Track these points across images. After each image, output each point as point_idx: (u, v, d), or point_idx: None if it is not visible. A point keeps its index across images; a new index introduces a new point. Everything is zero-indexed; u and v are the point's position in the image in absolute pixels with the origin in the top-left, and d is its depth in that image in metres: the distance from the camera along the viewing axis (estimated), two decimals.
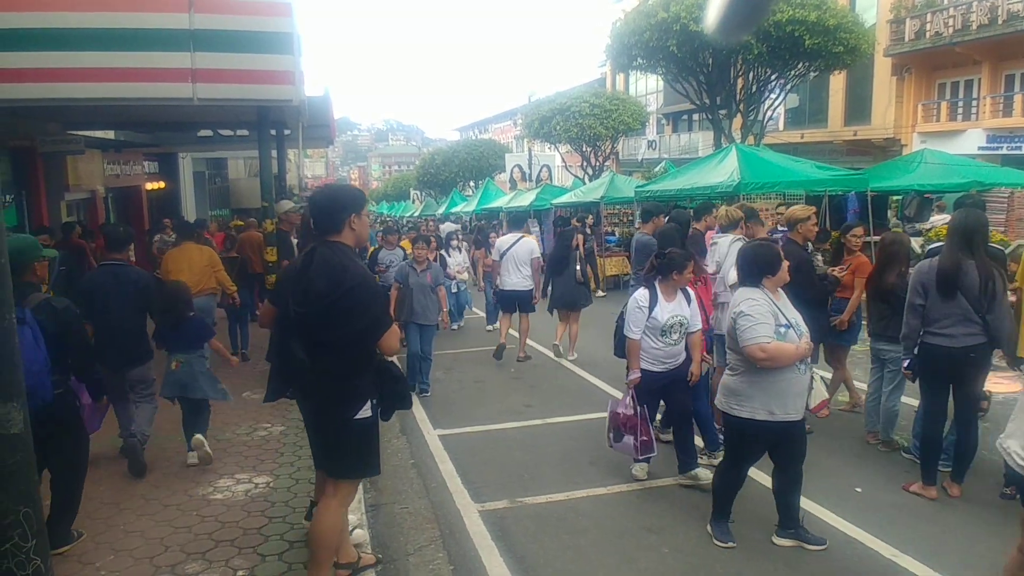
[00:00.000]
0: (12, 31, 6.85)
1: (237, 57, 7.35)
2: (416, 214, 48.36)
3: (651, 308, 5.61)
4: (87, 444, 4.89)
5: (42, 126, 12.00)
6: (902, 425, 6.57)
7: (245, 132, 14.25)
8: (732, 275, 6.62)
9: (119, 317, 5.89)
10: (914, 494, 5.50)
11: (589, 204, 21.05)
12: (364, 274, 3.79)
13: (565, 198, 23.79)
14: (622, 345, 5.89)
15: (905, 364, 5.69)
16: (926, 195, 16.21)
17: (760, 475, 5.48)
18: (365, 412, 3.83)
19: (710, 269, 7.04)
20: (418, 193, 62.29)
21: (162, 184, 20.45)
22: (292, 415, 7.44)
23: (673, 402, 5.88)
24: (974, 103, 24.39)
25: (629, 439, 5.72)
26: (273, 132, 10.69)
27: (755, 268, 4.66)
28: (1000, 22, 21.65)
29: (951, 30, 23.11)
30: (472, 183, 49.24)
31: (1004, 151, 22.19)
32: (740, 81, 22.82)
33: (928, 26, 23.96)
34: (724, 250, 6.96)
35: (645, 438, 5.67)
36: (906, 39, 24.77)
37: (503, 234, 13.14)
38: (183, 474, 5.90)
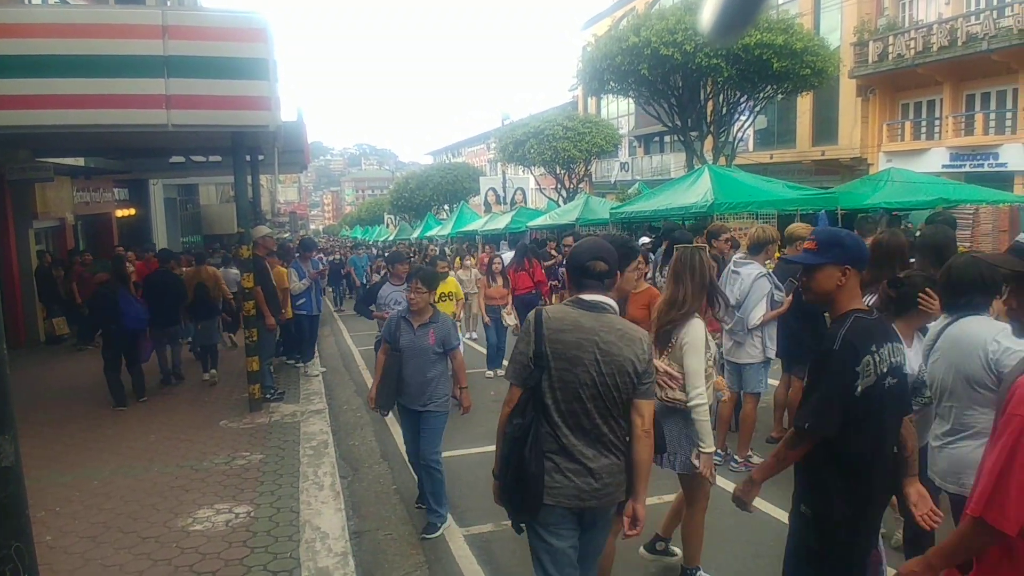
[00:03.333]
0: None
1: (212, 83, 7.33)
2: (391, 238, 48.29)
3: None
4: None
5: (11, 153, 11.87)
6: None
7: (218, 158, 14.17)
8: (756, 315, 6.39)
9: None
10: None
11: (564, 226, 21.16)
12: None
13: (540, 220, 23.91)
14: None
15: None
16: (894, 213, 16.50)
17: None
18: None
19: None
20: (392, 217, 62.19)
21: (132, 211, 20.27)
22: (271, 443, 7.37)
23: None
24: (937, 122, 24.90)
25: None
26: (247, 158, 10.65)
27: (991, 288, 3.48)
28: (960, 44, 22.17)
29: (913, 52, 23.63)
30: (447, 207, 49.25)
31: (967, 168, 22.66)
32: (710, 103, 23.12)
33: (891, 48, 24.48)
34: (748, 284, 6.44)
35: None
36: (869, 61, 25.28)
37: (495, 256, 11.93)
38: (161, 505, 5.80)
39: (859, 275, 3.06)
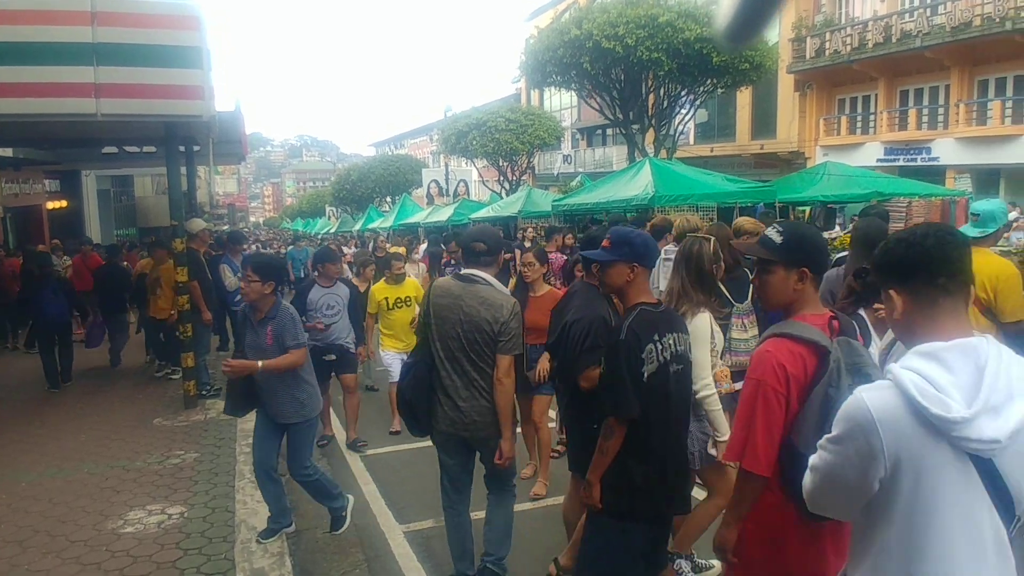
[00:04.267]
0: None
1: (143, 71, 7.11)
2: (333, 230, 47.73)
3: None
4: None
5: None
6: None
7: (152, 149, 13.77)
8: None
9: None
10: None
11: (507, 218, 21.15)
12: None
13: (483, 213, 23.87)
14: None
15: None
16: (829, 205, 16.88)
17: None
18: None
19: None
20: (334, 209, 61.44)
21: (64, 203, 19.66)
22: (206, 440, 7.21)
23: None
24: (872, 117, 25.55)
25: None
26: (182, 148, 10.36)
27: None
28: (894, 40, 22.77)
29: (849, 48, 24.19)
30: (389, 199, 48.86)
31: (901, 163, 23.30)
32: (652, 97, 23.33)
33: (827, 44, 25.02)
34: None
35: None
36: (807, 57, 25.81)
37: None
38: (91, 507, 5.62)
39: (647, 272, 3.42)
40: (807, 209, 17.61)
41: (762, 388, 2.56)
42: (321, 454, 7.22)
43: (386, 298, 7.67)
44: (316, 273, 7.41)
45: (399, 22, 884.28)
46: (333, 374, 7.29)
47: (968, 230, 5.71)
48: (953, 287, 1.88)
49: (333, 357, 7.15)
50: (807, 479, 2.03)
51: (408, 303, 7.66)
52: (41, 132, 11.06)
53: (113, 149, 14.39)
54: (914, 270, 1.90)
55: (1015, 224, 12.56)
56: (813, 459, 1.99)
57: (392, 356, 7.58)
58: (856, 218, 8.05)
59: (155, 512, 5.50)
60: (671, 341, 3.28)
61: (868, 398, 1.82)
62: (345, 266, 9.79)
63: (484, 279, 4.09)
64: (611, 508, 3.32)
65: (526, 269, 5.89)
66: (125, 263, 13.32)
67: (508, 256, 10.55)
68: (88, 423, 7.96)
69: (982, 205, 5.60)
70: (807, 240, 2.76)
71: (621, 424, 3.22)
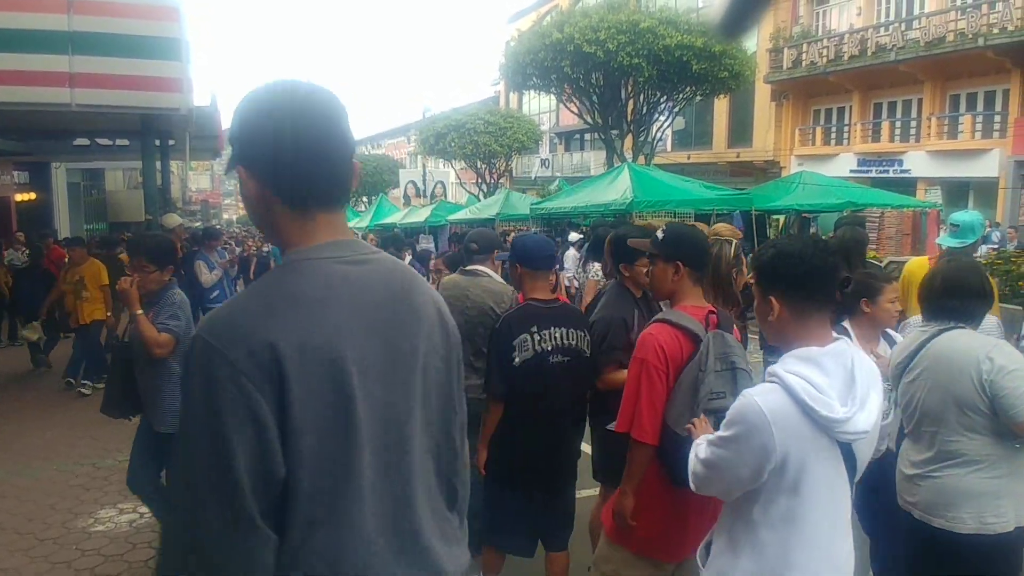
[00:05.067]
0: None
1: (120, 62, 7.01)
2: None
3: None
4: None
5: None
6: None
7: (125, 142, 13.58)
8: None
9: None
10: None
11: (484, 221, 21.12)
12: None
13: (460, 215, 23.81)
14: None
15: None
16: (804, 214, 17.05)
17: None
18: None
19: None
20: None
21: (33, 195, 19.31)
22: None
23: None
24: (846, 129, 25.85)
25: None
26: (157, 142, 10.22)
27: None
28: (869, 54, 23.06)
29: (825, 60, 24.45)
30: (365, 198, 48.61)
31: (873, 174, 23.59)
32: (631, 102, 23.42)
33: (804, 56, 25.28)
34: None
35: None
36: (784, 67, 26.07)
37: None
38: (60, 506, 5.50)
39: (534, 273, 3.75)
40: (781, 217, 17.77)
41: (645, 366, 2.87)
42: None
43: None
44: None
45: (378, 20, 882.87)
46: None
47: (947, 240, 5.76)
48: (825, 299, 2.12)
49: None
50: (698, 469, 2.24)
51: None
52: (11, 122, 10.85)
53: (85, 141, 14.18)
54: (795, 281, 2.11)
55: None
56: (705, 454, 2.20)
57: None
58: (833, 232, 8.07)
59: (127, 511, 5.38)
60: (558, 334, 3.62)
61: (761, 401, 2.02)
62: None
63: (486, 272, 4.41)
64: (493, 474, 3.70)
65: (435, 277, 5.56)
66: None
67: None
68: (55, 421, 7.78)
69: (962, 216, 5.66)
70: (683, 238, 3.09)
71: (495, 402, 3.65)
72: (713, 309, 3.01)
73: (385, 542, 1.41)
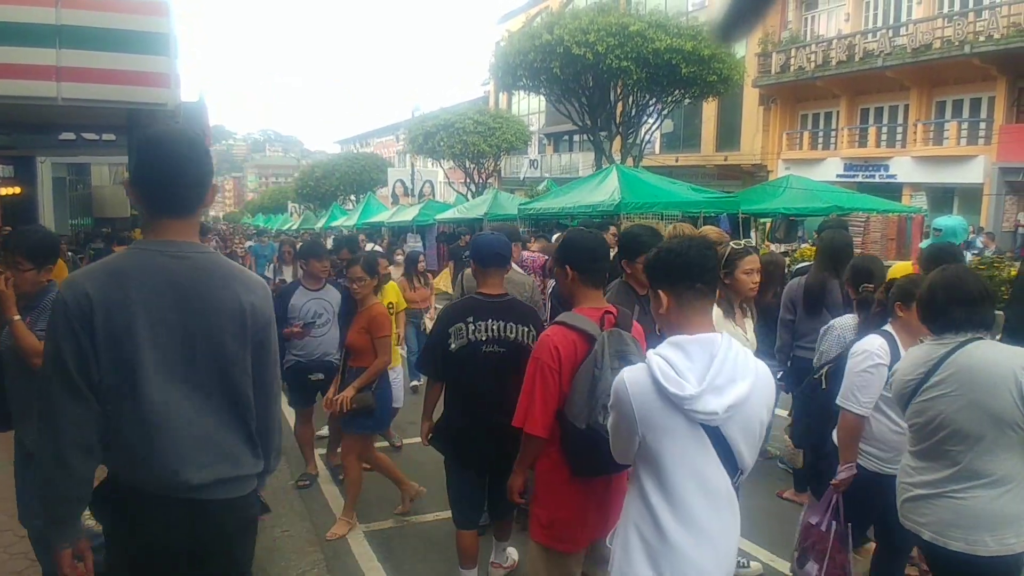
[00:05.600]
0: None
1: (108, 56, 6.97)
2: (295, 227, 47.22)
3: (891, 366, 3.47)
4: None
5: None
6: (775, 436, 6.83)
7: (112, 136, 13.49)
8: None
9: None
10: (787, 500, 5.73)
11: (472, 220, 21.11)
12: None
13: (448, 214, 23.80)
14: (819, 426, 4.03)
15: (778, 376, 5.92)
16: (791, 218, 17.12)
17: None
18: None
19: None
20: (297, 206, 60.83)
21: (17, 190, 19.11)
22: None
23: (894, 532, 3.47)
24: (833, 134, 26.03)
25: (813, 568, 3.78)
26: None
27: None
28: (857, 59, 23.23)
29: (813, 65, 24.61)
30: (353, 197, 48.52)
31: (860, 179, 23.77)
32: (620, 105, 23.47)
33: (792, 60, 25.45)
34: None
35: (839, 573, 3.71)
36: (772, 72, 26.23)
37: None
38: (13, 514, 5.45)
39: (484, 270, 3.99)
40: (768, 221, 17.85)
41: (540, 365, 3.13)
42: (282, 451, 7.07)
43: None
44: (302, 272, 6.35)
45: (368, 18, 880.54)
46: (319, 398, 6.20)
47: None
48: (706, 291, 2.39)
49: (321, 377, 6.00)
50: (609, 435, 2.54)
51: (391, 309, 6.33)
52: None
53: (71, 135, 14.07)
54: (679, 276, 2.37)
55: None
56: (608, 422, 2.52)
57: None
58: (817, 235, 8.12)
59: None
60: (495, 326, 3.88)
61: (627, 377, 2.36)
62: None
63: (516, 269, 5.05)
64: (435, 446, 4.16)
65: (355, 284, 5.21)
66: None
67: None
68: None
69: (944, 221, 5.72)
70: (570, 243, 3.36)
71: (431, 382, 4.15)
72: (610, 309, 3.20)
73: (163, 425, 2.23)
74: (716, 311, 4.13)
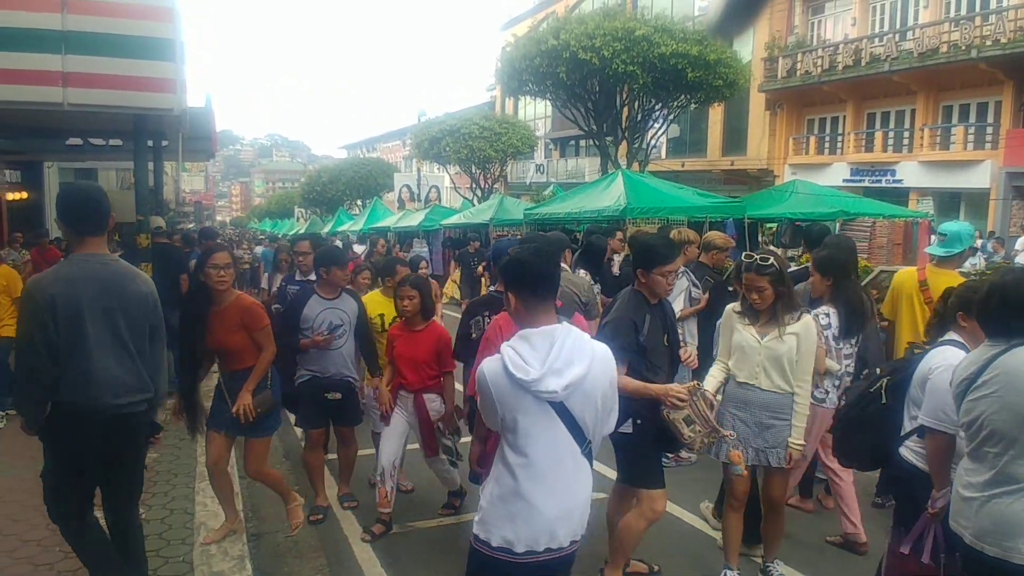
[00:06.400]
0: None
1: (114, 62, 6.97)
2: (301, 232, 47.29)
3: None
4: None
5: None
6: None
7: (118, 142, 13.52)
8: (675, 309, 6.32)
9: None
10: (792, 507, 5.69)
11: (479, 225, 21.10)
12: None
13: (455, 219, 23.79)
14: (885, 442, 3.80)
15: None
16: (796, 223, 17.06)
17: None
18: (626, 428, 4.03)
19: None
20: (303, 211, 60.94)
21: (25, 194, 19.20)
22: (166, 440, 7.02)
23: None
24: (839, 138, 25.97)
25: None
26: (150, 143, 10.18)
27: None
28: (863, 64, 23.19)
29: (819, 70, 24.57)
30: (359, 202, 48.58)
31: (866, 183, 23.69)
32: (626, 109, 23.46)
33: (799, 65, 25.40)
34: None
35: None
36: (778, 76, 26.18)
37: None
38: (44, 507, 5.45)
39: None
40: (774, 226, 17.79)
41: (487, 342, 3.92)
42: (284, 456, 7.09)
43: (381, 315, 5.94)
44: (318, 279, 5.70)
45: (374, 24, 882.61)
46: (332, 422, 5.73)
47: (934, 250, 5.78)
48: (546, 294, 2.87)
49: (338, 396, 5.53)
50: None
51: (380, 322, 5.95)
52: (3, 120, 10.80)
53: (78, 141, 14.11)
54: (522, 282, 2.86)
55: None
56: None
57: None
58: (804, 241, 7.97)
59: None
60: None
61: (485, 368, 2.82)
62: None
63: (563, 268, 5.47)
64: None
65: (217, 279, 4.68)
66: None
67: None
68: None
69: (949, 226, 5.68)
70: (501, 259, 3.72)
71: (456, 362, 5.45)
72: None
73: (95, 373, 3.57)
74: (744, 330, 4.37)
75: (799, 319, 4.28)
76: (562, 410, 2.79)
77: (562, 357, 2.74)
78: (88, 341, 3.55)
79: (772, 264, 4.21)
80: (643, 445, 4.21)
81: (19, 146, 15.32)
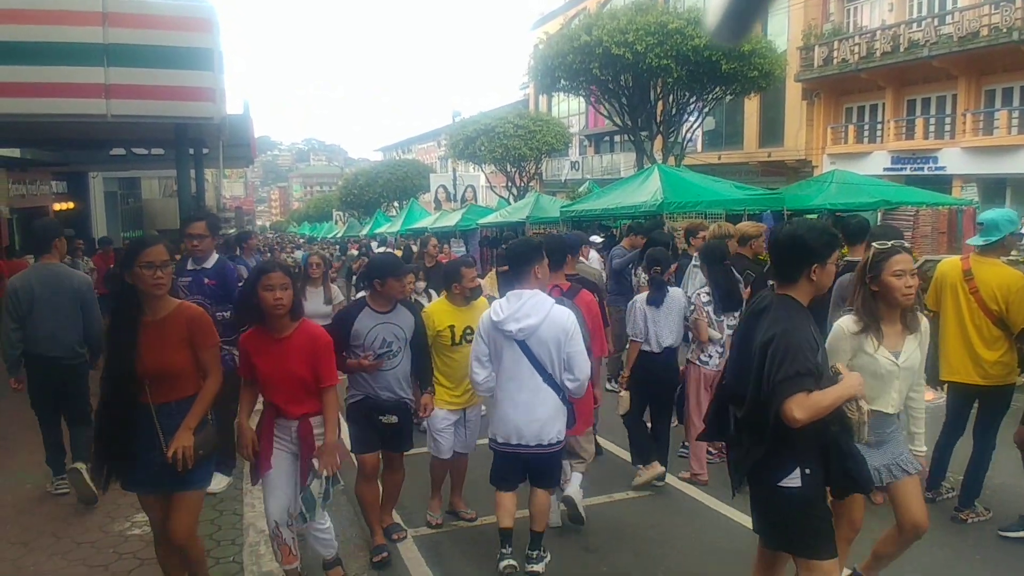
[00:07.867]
0: None
1: (154, 73, 7.14)
2: (339, 235, 47.75)
3: None
4: None
5: None
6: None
7: (161, 151, 13.81)
8: None
9: None
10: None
11: (515, 224, 21.14)
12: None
13: (491, 218, 23.86)
14: None
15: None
16: (837, 214, 16.81)
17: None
18: (792, 481, 3.13)
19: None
20: (341, 214, 61.53)
21: (71, 204, 19.65)
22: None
23: None
24: (879, 126, 25.50)
25: None
26: (191, 151, 10.38)
27: None
28: (902, 50, 22.74)
29: (857, 57, 24.15)
30: (396, 203, 48.93)
31: (908, 171, 23.24)
32: (660, 104, 23.32)
33: (835, 53, 24.99)
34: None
35: None
36: (815, 65, 25.78)
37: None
38: (98, 509, 5.60)
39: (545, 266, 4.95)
40: (815, 217, 17.56)
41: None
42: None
43: (451, 327, 5.23)
44: (366, 291, 5.08)
45: (407, 26, 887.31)
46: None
47: (974, 240, 5.66)
48: (520, 271, 4.47)
49: (394, 420, 4.90)
50: None
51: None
52: (49, 133, 11.10)
53: (121, 151, 14.44)
54: (518, 260, 4.49)
55: None
56: None
57: (444, 418, 5.26)
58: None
59: None
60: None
61: (484, 315, 4.56)
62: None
63: (583, 261, 7.22)
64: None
65: (153, 281, 3.61)
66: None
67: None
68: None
69: (987, 215, 5.57)
70: (549, 244, 5.09)
71: None
72: (557, 283, 5.18)
73: (44, 334, 5.66)
74: (850, 338, 3.66)
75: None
76: (524, 347, 4.35)
77: (522, 310, 4.33)
78: (42, 317, 5.58)
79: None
80: (817, 501, 3.20)
81: (65, 157, 15.72)
